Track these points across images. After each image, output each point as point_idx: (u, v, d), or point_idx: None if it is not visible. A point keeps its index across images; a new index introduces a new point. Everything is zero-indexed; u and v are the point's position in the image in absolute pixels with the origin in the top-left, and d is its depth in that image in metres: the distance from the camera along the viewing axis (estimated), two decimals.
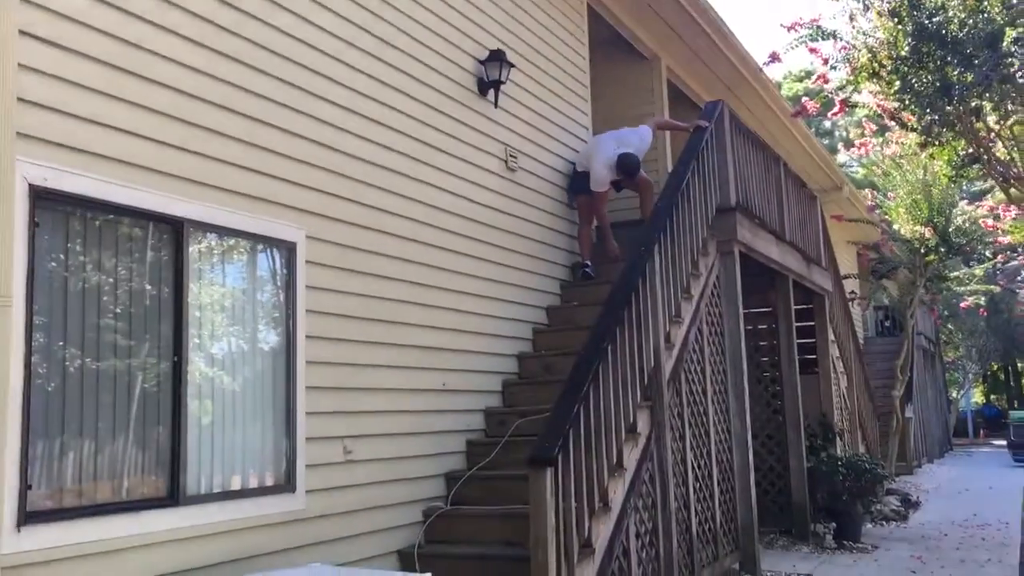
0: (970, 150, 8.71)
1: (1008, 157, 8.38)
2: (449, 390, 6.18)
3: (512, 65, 7.00)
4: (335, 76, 5.47)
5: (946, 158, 8.94)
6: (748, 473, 7.58)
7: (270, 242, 4.86)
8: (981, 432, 35.89)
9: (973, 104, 7.59)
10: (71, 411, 3.82)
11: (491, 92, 6.94)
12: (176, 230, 4.33)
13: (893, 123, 8.37)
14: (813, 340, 10.70)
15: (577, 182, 8.00)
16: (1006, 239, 11.72)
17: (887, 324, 21.57)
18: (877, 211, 15.08)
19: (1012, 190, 8.45)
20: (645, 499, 5.93)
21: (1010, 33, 7.05)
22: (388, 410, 5.61)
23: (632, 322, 5.83)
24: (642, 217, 8.17)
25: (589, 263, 7.76)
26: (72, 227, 3.92)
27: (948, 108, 7.79)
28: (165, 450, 4.19)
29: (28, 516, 3.56)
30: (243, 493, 4.54)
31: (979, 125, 8.15)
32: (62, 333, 3.82)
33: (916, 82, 7.94)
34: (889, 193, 14.93)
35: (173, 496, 4.18)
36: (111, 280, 4.06)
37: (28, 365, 3.61)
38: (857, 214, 16.00)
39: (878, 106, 8.21)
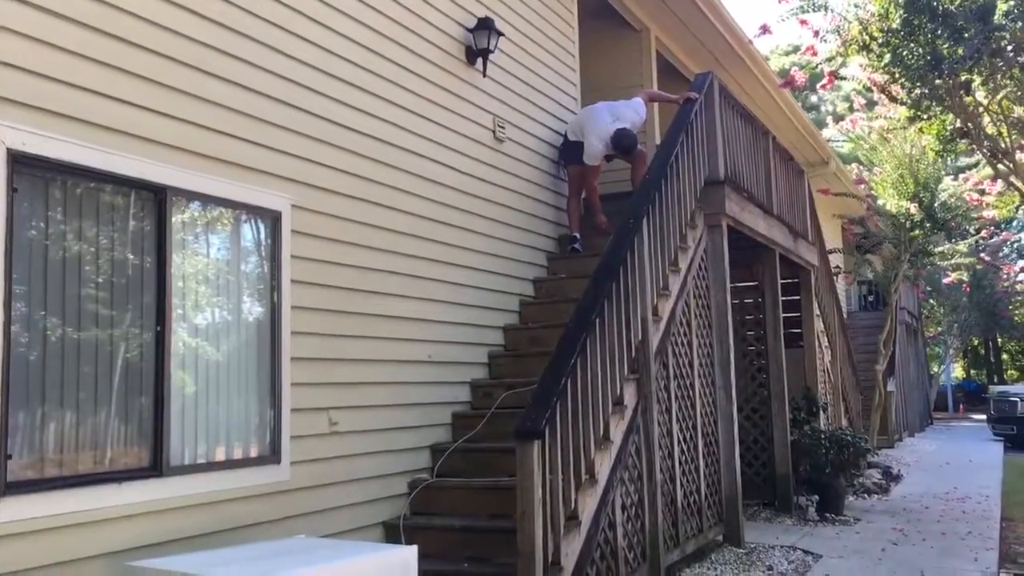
0: (958, 124, 8.70)
1: (996, 132, 8.37)
2: (435, 362, 6.15)
3: (501, 34, 6.91)
4: (321, 42, 5.37)
5: (935, 132, 8.93)
6: (733, 446, 7.60)
7: (255, 211, 4.79)
8: (961, 407, 36.25)
9: (963, 78, 7.56)
10: (52, 381, 3.76)
11: (479, 61, 6.84)
12: (159, 198, 4.25)
13: (883, 96, 8.32)
14: (798, 314, 10.72)
15: (568, 152, 7.91)
16: (991, 214, 11.73)
17: (870, 299, 21.67)
18: (863, 186, 15.09)
19: (999, 165, 8.44)
20: (631, 471, 5.93)
21: (1001, 6, 7.01)
22: (373, 381, 5.57)
23: (620, 294, 5.80)
24: (632, 189, 8.10)
25: (577, 236, 7.72)
26: (52, 194, 3.84)
27: (938, 82, 7.76)
28: (148, 420, 4.14)
29: (7, 487, 3.51)
30: (227, 464, 4.51)
31: (968, 100, 8.12)
32: (42, 303, 3.75)
33: (907, 55, 7.90)
34: (875, 168, 14.94)
35: (156, 467, 4.13)
36: (92, 249, 3.99)
37: (7, 335, 3.54)
38: (843, 189, 16.00)
39: (868, 79, 8.16)
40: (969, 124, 8.46)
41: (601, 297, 5.54)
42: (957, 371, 39.03)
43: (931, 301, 26.08)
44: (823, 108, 34.47)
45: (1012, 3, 7.08)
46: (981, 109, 8.19)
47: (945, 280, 21.58)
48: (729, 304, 7.79)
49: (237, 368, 4.65)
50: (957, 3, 7.34)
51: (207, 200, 4.52)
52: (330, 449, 5.18)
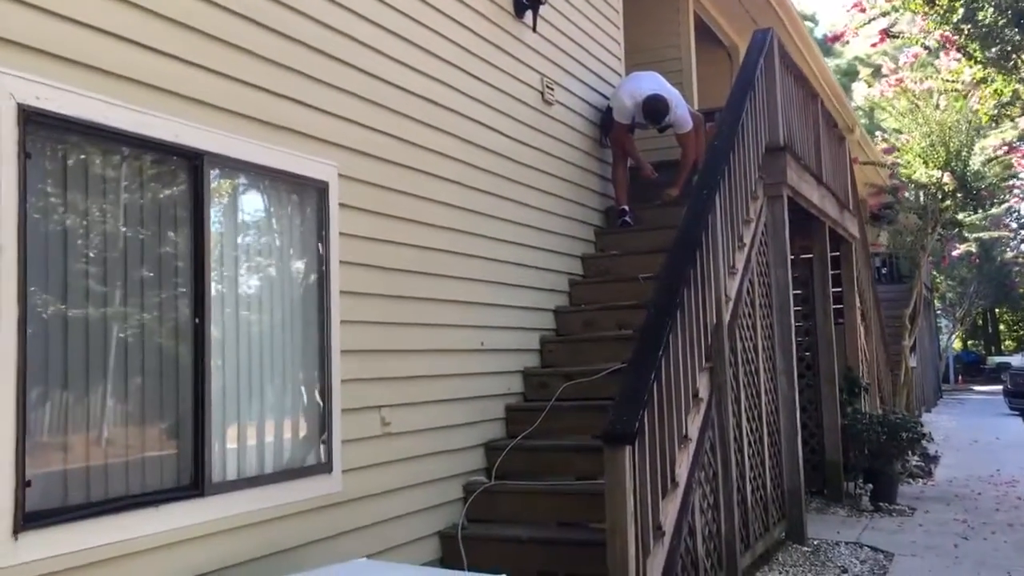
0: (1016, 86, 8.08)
1: None
2: (487, 350, 5.52)
3: None
4: None
5: (994, 91, 8.29)
6: (796, 436, 7.04)
7: (300, 181, 4.12)
8: (960, 378, 36.05)
9: None
10: (75, 388, 3.11)
11: (528, 14, 6.15)
12: (194, 165, 3.58)
13: (957, 53, 7.66)
14: (837, 289, 10.14)
15: (611, 119, 7.24)
16: None
17: (883, 271, 21.12)
18: (892, 155, 14.48)
19: None
20: (707, 471, 5.36)
21: None
22: (426, 374, 4.94)
23: (697, 278, 5.19)
24: (683, 159, 7.45)
25: (627, 208, 7.06)
26: (71, 160, 3.16)
27: (1019, 38, 7.12)
28: (187, 430, 3.50)
29: (27, 519, 2.87)
30: (274, 477, 3.87)
31: None
32: (61, 295, 3.09)
33: (981, 13, 7.25)
34: (902, 136, 14.32)
35: (197, 484, 3.50)
36: (120, 228, 3.32)
37: (22, 334, 2.89)
38: (866, 158, 15.39)
39: (942, 36, 7.50)
40: None
41: (681, 284, 4.91)
42: (956, 343, 38.73)
43: (934, 273, 25.64)
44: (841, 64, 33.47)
45: None
46: None
47: (954, 253, 21.10)
48: (790, 281, 7.19)
49: (283, 364, 4.00)
50: None
51: (248, 169, 3.84)
52: (383, 453, 4.56)
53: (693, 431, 5.10)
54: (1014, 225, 21.37)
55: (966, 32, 7.58)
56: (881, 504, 8.47)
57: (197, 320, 3.54)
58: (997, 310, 39.88)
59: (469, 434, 5.27)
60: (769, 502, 6.52)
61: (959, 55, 7.95)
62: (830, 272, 9.03)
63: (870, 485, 8.55)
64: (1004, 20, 6.97)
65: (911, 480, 10.07)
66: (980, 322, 38.41)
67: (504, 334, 5.71)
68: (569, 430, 5.55)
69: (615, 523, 4.03)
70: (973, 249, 21.66)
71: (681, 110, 7.20)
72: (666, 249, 6.49)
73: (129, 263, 3.33)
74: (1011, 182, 12.21)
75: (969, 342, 42.09)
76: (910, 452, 9.17)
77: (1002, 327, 43.95)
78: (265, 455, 3.87)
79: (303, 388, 4.09)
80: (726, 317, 5.71)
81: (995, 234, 20.43)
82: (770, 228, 7.08)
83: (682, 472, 4.86)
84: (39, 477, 2.94)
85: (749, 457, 6.15)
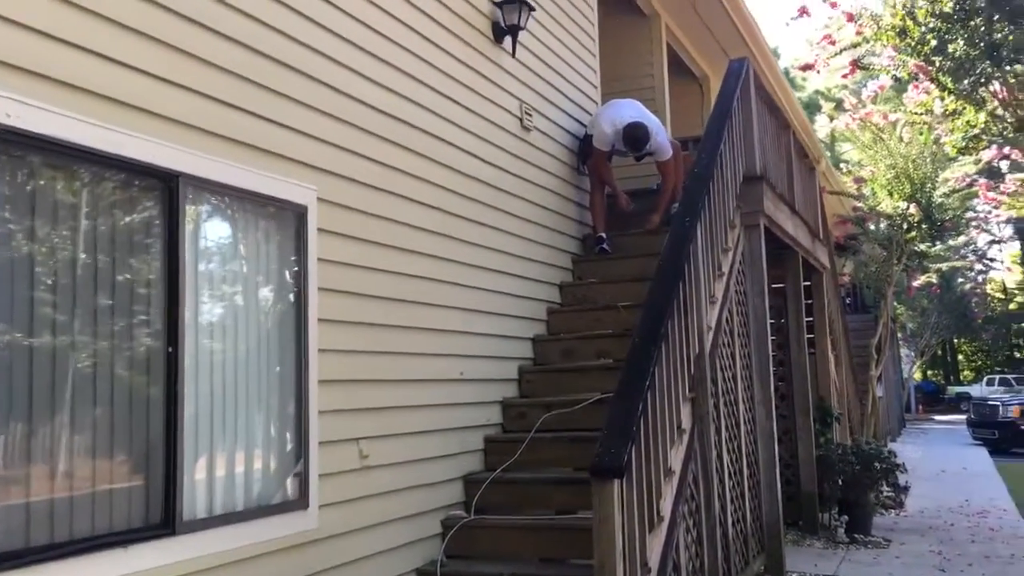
0: (995, 114, 8.15)
1: None
2: (466, 379, 5.38)
3: (532, 8, 6.15)
4: (349, 8, 4.58)
5: (966, 123, 8.36)
6: (774, 467, 6.94)
7: (278, 204, 3.98)
8: (920, 407, 36.43)
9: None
10: (39, 420, 2.92)
11: (507, 39, 6.08)
12: (169, 187, 3.43)
13: (931, 84, 7.73)
14: (809, 319, 10.14)
15: (589, 146, 7.18)
16: (1006, 213, 11.30)
17: (848, 301, 21.30)
18: (859, 185, 14.65)
19: None
20: (690, 504, 5.24)
21: None
22: (404, 405, 4.79)
23: (680, 309, 5.10)
24: (662, 186, 7.40)
25: (605, 235, 6.98)
26: (41, 180, 3.00)
27: (991, 71, 7.19)
28: (157, 465, 3.31)
29: None
30: (249, 514, 3.69)
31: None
32: (26, 319, 2.91)
33: (952, 46, 7.32)
34: (867, 168, 14.51)
35: (168, 523, 3.31)
36: (89, 253, 3.15)
37: None
38: (833, 188, 15.55)
39: (916, 66, 7.56)
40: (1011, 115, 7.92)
41: (666, 312, 4.81)
42: (916, 373, 39.17)
43: (895, 304, 25.91)
44: (811, 104, 34.03)
45: None
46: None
47: (915, 283, 21.34)
48: (767, 311, 7.14)
49: (258, 395, 3.84)
50: None
51: (224, 191, 3.70)
52: (361, 487, 4.39)
53: (676, 464, 4.98)
54: (971, 256, 21.69)
55: (937, 64, 7.65)
56: (856, 536, 8.41)
57: (170, 349, 3.37)
58: (956, 340, 40.42)
59: (448, 467, 5.12)
60: (749, 535, 6.43)
61: (931, 86, 8.01)
62: (803, 302, 9.01)
63: (845, 516, 8.50)
64: (976, 52, 7.03)
65: (884, 511, 10.02)
66: (940, 352, 38.85)
67: (483, 363, 5.57)
68: (549, 462, 5.41)
69: (603, 561, 3.89)
70: (934, 280, 21.95)
71: (661, 137, 7.17)
72: (645, 277, 6.44)
73: (99, 287, 3.17)
74: (969, 214, 12.35)
75: (929, 372, 42.58)
76: (883, 482, 9.13)
77: (960, 357, 44.56)
78: (240, 491, 3.69)
79: (280, 420, 3.93)
80: (707, 347, 5.62)
81: (956, 264, 20.70)
82: (747, 257, 7.03)
83: (666, 506, 4.74)
84: None
85: (730, 489, 6.05)
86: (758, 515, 6.78)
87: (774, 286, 9.02)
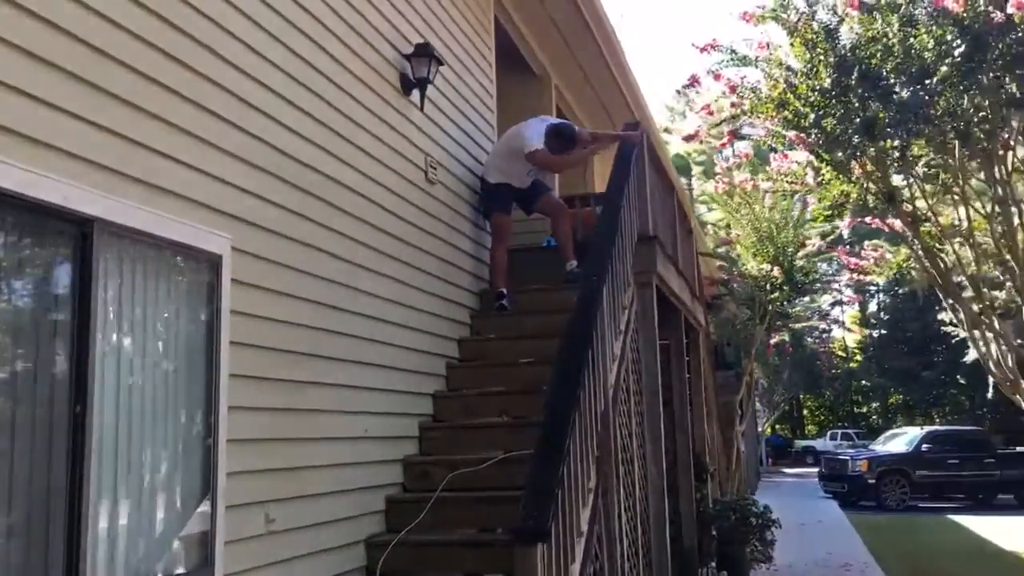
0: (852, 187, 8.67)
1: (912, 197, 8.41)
2: (370, 436, 5.20)
3: (442, 63, 6.14)
4: (272, 57, 4.45)
5: (841, 192, 8.84)
6: (665, 526, 7.02)
7: (194, 254, 3.76)
8: (770, 460, 37.98)
9: (895, 143, 7.49)
10: None
11: (415, 93, 6.04)
12: (83, 232, 3.18)
13: (810, 155, 8.16)
14: (687, 376, 10.41)
15: (491, 197, 7.14)
16: (867, 277, 12.01)
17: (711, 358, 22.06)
18: (725, 248, 15.29)
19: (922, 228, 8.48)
20: (595, 564, 5.20)
21: (942, 71, 6.96)
22: (310, 465, 4.57)
23: (590, 367, 5.12)
24: (556, 239, 7.49)
25: (504, 291, 6.96)
26: None
27: (865, 145, 7.66)
28: (59, 539, 3.01)
29: None
30: None
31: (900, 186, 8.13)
32: None
33: (827, 121, 7.76)
34: (733, 231, 15.21)
35: None
36: None
37: None
38: (701, 249, 16.17)
39: (796, 138, 7.96)
40: (879, 189, 8.43)
41: (582, 372, 4.81)
42: (767, 428, 40.89)
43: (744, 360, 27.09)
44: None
45: (946, 70, 7.04)
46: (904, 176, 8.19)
47: (771, 341, 22.39)
48: (659, 369, 7.27)
49: (170, 459, 3.58)
50: (891, 66, 7.26)
51: (141, 239, 3.47)
52: (265, 554, 4.14)
53: (585, 524, 4.95)
54: (816, 318, 22.92)
55: (813, 137, 8.09)
56: None
57: (78, 408, 3.10)
58: (802, 396, 42.50)
59: (349, 530, 4.91)
60: None
61: (804, 156, 8.47)
62: (685, 360, 9.25)
63: (724, 572, 8.67)
64: (852, 128, 7.47)
65: (755, 564, 10.29)
66: (787, 407, 40.75)
67: (386, 420, 5.41)
68: (454, 523, 5.28)
69: None
70: (787, 338, 23.06)
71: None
72: (544, 334, 6.46)
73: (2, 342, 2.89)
74: (822, 275, 13.14)
75: (777, 426, 44.49)
76: (765, 537, 9.40)
77: (805, 412, 46.83)
78: (144, 562, 3.40)
79: (188, 483, 3.67)
80: (611, 404, 5.66)
81: (806, 324, 21.79)
82: (640, 316, 7.15)
83: (575, 569, 4.69)
84: None
85: (628, 547, 6.06)
86: (651, 572, 6.82)
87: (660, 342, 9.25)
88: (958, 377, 33.22)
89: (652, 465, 7.04)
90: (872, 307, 44.07)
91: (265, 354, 4.23)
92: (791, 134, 7.97)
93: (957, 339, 14.26)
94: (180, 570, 3.59)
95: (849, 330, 43.75)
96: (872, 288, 38.09)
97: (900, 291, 34.82)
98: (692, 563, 8.71)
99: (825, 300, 24.96)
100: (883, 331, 40.50)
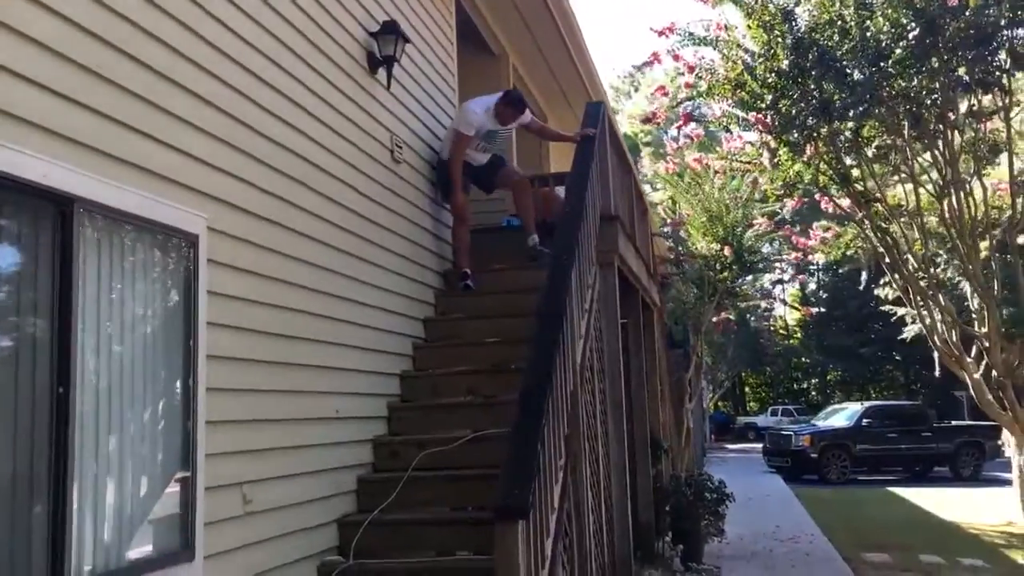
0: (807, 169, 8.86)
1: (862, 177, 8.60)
2: (341, 417, 5.19)
3: (408, 41, 6.10)
4: (247, 35, 4.38)
5: (795, 172, 9.01)
6: (626, 503, 7.14)
7: (171, 233, 3.71)
8: (713, 437, 38.64)
9: (849, 125, 7.65)
10: None
11: (381, 71, 5.99)
12: (63, 211, 3.12)
13: (768, 135, 8.29)
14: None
15: (445, 174, 7.09)
16: (817, 256, 12.24)
17: None
18: (677, 228, 15.46)
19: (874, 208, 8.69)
20: (564, 541, 5.28)
21: (897, 52, 7.12)
22: (285, 446, 4.56)
23: (561, 345, 5.17)
24: (520, 217, 7.51)
25: (469, 271, 6.97)
26: None
27: (820, 126, 7.81)
28: (41, 522, 2.97)
29: None
30: (135, 569, 3.38)
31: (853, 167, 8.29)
32: None
33: (784, 102, 7.90)
34: (684, 211, 15.37)
35: None
36: None
37: None
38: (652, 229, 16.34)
39: (755, 118, 8.09)
40: (831, 171, 8.61)
41: (555, 349, 4.86)
42: (711, 404, 41.61)
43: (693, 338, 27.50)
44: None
45: (900, 52, 7.20)
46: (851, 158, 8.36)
47: (714, 319, 22.76)
48: (620, 348, 7.36)
49: (150, 440, 3.54)
50: (847, 47, 7.40)
51: (120, 218, 3.41)
52: (243, 535, 4.13)
53: (556, 501, 5.02)
54: (758, 296, 23.38)
55: (769, 118, 8.22)
56: (691, 564, 8.79)
57: (60, 389, 3.05)
58: (743, 374, 43.27)
59: (323, 510, 4.91)
60: (607, 569, 6.54)
61: (758, 137, 8.60)
62: (643, 339, 9.37)
63: (681, 545, 8.84)
64: (808, 110, 7.60)
65: (709, 539, 10.51)
66: (730, 385, 41.50)
67: (356, 400, 5.41)
68: (426, 502, 5.31)
69: None
70: (732, 317, 23.46)
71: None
72: (509, 314, 6.51)
73: None
74: (767, 253, 13.39)
75: (720, 403, 45.29)
76: (712, 511, 9.60)
77: (747, 389, 47.72)
78: (127, 545, 3.38)
79: (169, 465, 3.63)
80: (577, 383, 5.72)
81: (752, 303, 22.19)
82: (602, 296, 7.22)
83: (549, 545, 4.75)
84: None
85: (592, 523, 6.15)
86: (612, 549, 6.93)
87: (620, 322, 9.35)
88: (894, 354, 34.15)
89: (615, 443, 7.14)
90: (812, 286, 45.02)
91: (240, 335, 4.20)
92: (751, 115, 8.08)
93: (895, 317, 14.64)
94: (164, 552, 3.56)
95: (795, 308, 44.60)
96: (812, 267, 38.88)
97: (839, 270, 35.64)
98: (649, 538, 8.86)
99: (767, 279, 25.49)
100: (822, 309, 41.41)
